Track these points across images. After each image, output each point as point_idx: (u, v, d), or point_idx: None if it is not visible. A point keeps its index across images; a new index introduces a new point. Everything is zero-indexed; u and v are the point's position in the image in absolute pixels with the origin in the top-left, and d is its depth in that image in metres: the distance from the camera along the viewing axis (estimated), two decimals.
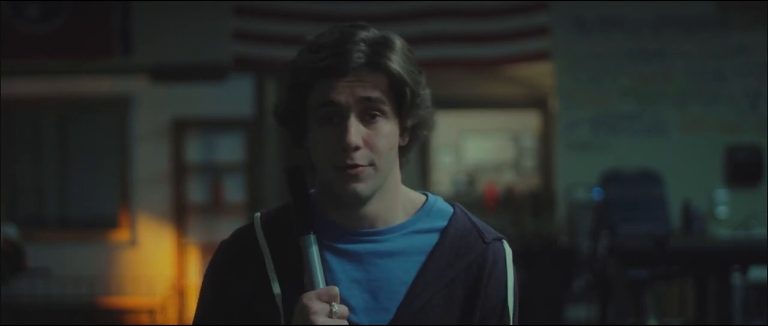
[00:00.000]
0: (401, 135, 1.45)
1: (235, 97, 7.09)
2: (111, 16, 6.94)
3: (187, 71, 7.07)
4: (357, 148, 1.39)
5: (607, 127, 6.95)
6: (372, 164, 1.41)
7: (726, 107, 6.90)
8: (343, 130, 1.39)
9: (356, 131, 1.39)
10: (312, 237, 1.44)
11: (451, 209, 1.52)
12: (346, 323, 1.39)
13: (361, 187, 1.41)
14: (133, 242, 7.12)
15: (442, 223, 1.50)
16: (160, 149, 7.11)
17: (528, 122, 10.33)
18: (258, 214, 1.52)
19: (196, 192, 7.11)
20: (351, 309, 1.43)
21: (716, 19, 6.90)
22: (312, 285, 1.41)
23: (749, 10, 6.86)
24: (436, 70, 6.81)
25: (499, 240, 1.51)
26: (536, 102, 8.63)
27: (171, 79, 7.08)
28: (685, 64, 6.91)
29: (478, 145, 11.51)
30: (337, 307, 1.38)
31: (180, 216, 7.05)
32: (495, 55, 6.96)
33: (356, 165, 1.39)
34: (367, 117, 1.41)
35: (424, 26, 6.87)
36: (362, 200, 1.43)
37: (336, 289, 1.40)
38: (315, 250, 1.43)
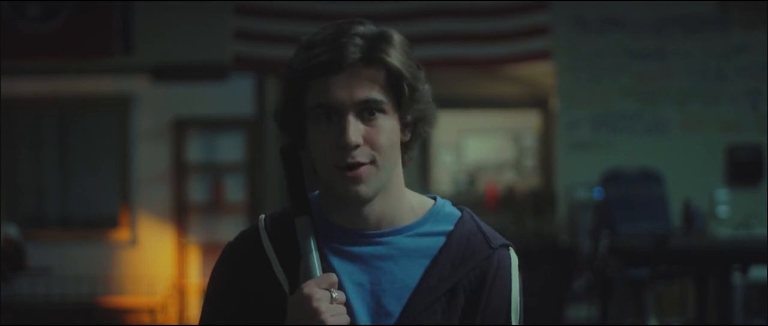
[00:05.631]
0: (402, 131, 1.42)
1: (235, 96, 7.09)
2: (112, 16, 6.94)
3: (187, 71, 7.07)
4: (356, 146, 1.36)
5: (608, 127, 6.95)
6: (373, 162, 1.38)
7: (726, 107, 6.90)
8: (342, 128, 1.36)
9: (355, 128, 1.36)
10: (307, 219, 1.42)
11: (458, 213, 1.50)
12: (344, 309, 1.37)
13: (364, 189, 1.38)
14: (133, 241, 7.12)
15: (449, 227, 1.46)
16: (161, 149, 7.11)
17: (528, 122, 10.32)
18: (263, 216, 1.50)
19: (196, 191, 7.11)
20: (354, 312, 1.41)
21: (717, 19, 6.90)
22: (308, 271, 1.39)
23: (750, 10, 6.86)
24: (437, 70, 6.81)
25: (506, 247, 1.48)
26: (537, 101, 8.63)
27: (172, 79, 7.09)
28: (685, 64, 6.91)
29: (478, 144, 11.50)
30: (336, 293, 1.37)
31: (180, 215, 7.05)
32: (496, 55, 6.96)
33: (357, 164, 1.37)
34: (366, 114, 1.37)
35: (424, 26, 6.87)
36: (365, 201, 1.40)
37: (334, 276, 1.38)
38: (310, 233, 1.41)
